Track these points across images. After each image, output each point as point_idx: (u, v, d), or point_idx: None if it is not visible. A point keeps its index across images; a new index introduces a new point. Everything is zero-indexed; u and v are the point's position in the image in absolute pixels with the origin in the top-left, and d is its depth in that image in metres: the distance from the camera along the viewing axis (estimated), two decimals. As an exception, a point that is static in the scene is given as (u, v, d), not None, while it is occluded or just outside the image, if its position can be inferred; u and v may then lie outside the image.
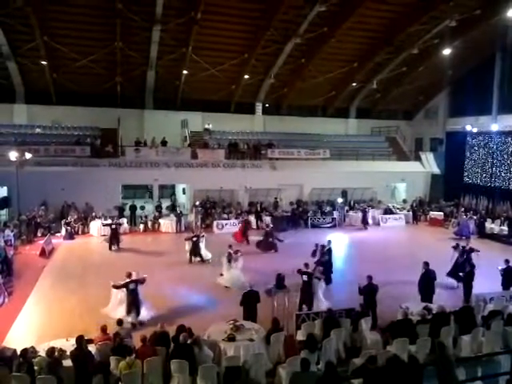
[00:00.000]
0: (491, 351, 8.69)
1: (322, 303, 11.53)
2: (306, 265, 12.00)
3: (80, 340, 7.87)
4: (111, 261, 16.82)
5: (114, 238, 18.42)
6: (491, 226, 22.51)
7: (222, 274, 14.14)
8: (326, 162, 27.60)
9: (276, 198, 25.50)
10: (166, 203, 25.53)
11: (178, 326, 8.71)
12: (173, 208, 24.37)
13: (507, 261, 12.67)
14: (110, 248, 18.26)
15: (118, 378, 7.46)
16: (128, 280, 10.99)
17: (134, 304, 10.91)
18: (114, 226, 18.67)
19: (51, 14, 21.73)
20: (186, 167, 24.99)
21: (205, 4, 21.01)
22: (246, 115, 30.48)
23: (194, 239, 16.60)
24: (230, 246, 14.97)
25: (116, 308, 11.14)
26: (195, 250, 16.52)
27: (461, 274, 13.58)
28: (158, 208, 23.83)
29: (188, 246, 16.70)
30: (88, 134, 26.31)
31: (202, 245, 16.86)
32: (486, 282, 13.42)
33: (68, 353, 7.97)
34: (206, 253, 16.78)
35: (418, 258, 13.60)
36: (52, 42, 22.96)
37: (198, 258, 16.56)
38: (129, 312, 10.86)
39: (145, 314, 11.06)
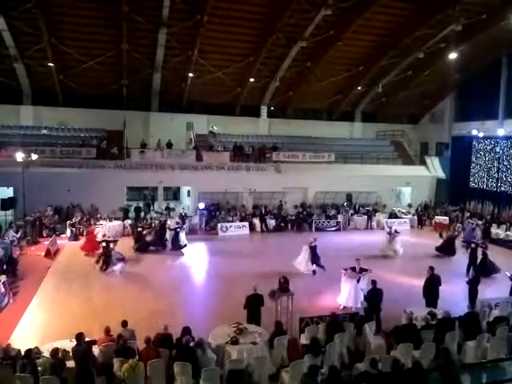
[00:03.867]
0: (496, 357, 8.65)
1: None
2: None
3: (79, 337, 8.05)
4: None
5: (106, 258, 15.32)
6: (497, 231, 22.34)
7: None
8: (331, 165, 27.55)
9: (281, 201, 25.51)
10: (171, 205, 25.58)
11: (183, 327, 8.65)
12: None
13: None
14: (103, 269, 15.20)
15: (121, 380, 7.46)
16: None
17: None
18: (106, 244, 15.63)
19: (58, 17, 21.91)
20: (191, 169, 25.05)
21: (211, 7, 21.11)
22: (251, 118, 30.53)
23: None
24: (390, 228, 19.92)
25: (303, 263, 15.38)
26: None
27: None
28: (166, 210, 23.84)
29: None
30: (94, 136, 26.49)
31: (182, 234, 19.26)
32: (491, 288, 13.34)
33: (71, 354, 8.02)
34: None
35: (422, 263, 13.55)
36: (59, 45, 23.13)
37: None
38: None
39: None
